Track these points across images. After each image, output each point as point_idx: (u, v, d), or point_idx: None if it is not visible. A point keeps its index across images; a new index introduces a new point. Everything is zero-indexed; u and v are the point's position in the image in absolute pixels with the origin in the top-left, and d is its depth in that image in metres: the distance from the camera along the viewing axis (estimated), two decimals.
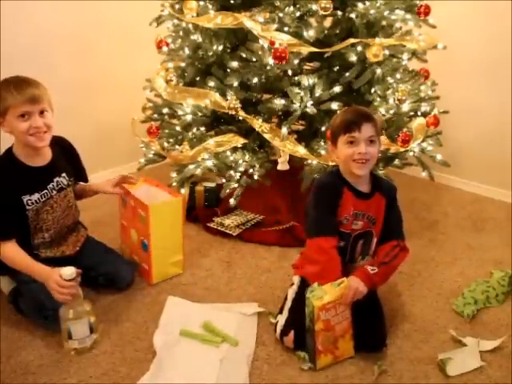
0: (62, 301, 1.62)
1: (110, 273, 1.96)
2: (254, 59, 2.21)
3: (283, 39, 2.08)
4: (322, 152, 2.19)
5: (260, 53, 2.16)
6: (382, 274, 1.66)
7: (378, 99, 2.26)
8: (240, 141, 2.27)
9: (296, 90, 2.15)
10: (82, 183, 2.03)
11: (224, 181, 2.33)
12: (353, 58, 2.18)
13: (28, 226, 1.78)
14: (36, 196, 1.76)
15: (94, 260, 1.95)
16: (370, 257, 1.78)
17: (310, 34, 2.14)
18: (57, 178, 1.83)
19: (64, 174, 1.86)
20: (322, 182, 1.77)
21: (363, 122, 1.61)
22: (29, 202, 1.75)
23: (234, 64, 2.25)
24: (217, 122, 2.40)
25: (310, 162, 2.20)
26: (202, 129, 2.38)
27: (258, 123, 2.21)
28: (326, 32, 2.21)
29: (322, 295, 1.56)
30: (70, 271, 1.61)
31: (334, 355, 1.62)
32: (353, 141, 1.62)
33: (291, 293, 1.81)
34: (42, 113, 1.69)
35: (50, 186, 1.81)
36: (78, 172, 1.99)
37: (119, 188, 2.04)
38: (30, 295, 1.76)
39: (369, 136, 1.62)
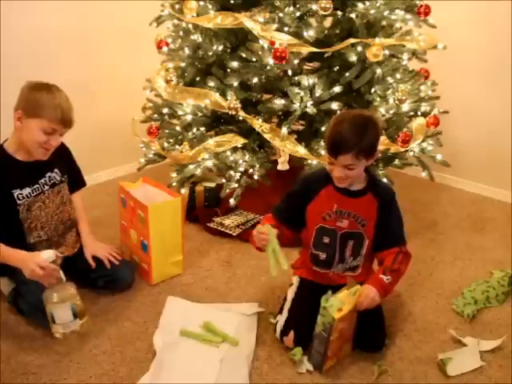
0: (46, 284, 1.60)
1: (110, 275, 1.95)
2: (254, 59, 2.21)
3: (283, 39, 2.08)
4: (322, 152, 2.19)
5: (260, 53, 2.16)
6: (393, 283, 1.66)
7: (378, 99, 2.26)
8: (240, 141, 2.27)
9: (296, 90, 2.15)
10: (81, 217, 2.01)
11: (224, 181, 2.33)
12: (353, 58, 2.18)
13: (21, 225, 1.78)
14: (27, 190, 1.77)
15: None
16: (361, 257, 1.76)
17: (310, 33, 2.14)
18: (49, 174, 1.84)
19: (56, 170, 1.87)
20: (304, 175, 1.82)
21: (341, 152, 1.55)
22: (20, 196, 1.75)
23: (234, 64, 2.25)
24: (217, 122, 2.40)
25: (309, 161, 2.20)
26: (202, 129, 2.38)
27: (257, 123, 2.21)
28: (326, 32, 2.21)
29: (341, 306, 1.53)
30: (49, 253, 1.59)
31: (338, 357, 1.64)
32: (331, 162, 1.61)
33: (290, 293, 1.81)
34: (61, 134, 1.75)
35: (42, 180, 1.81)
36: (72, 173, 1.98)
37: (92, 260, 1.94)
38: (30, 295, 1.76)
39: (345, 165, 1.58)
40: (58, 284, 1.62)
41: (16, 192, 1.74)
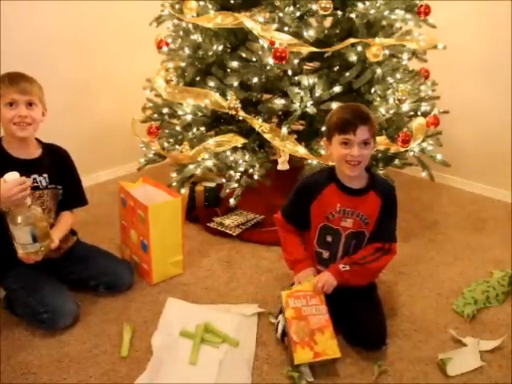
0: (15, 202, 1.55)
1: (111, 281, 1.95)
2: (254, 59, 2.21)
3: (283, 39, 2.08)
4: (322, 152, 2.19)
5: (260, 53, 2.16)
6: (354, 273, 1.68)
7: (378, 99, 2.26)
8: (240, 141, 2.27)
9: (296, 89, 2.15)
10: (62, 216, 1.93)
11: (224, 181, 2.33)
12: (353, 58, 2.18)
13: (3, 216, 1.72)
14: None
15: (92, 270, 1.94)
16: None
17: (310, 33, 2.14)
18: (35, 176, 1.79)
19: (45, 175, 1.82)
20: (303, 181, 1.82)
21: (359, 124, 1.58)
22: None
23: (234, 64, 2.25)
24: (217, 122, 2.40)
25: (309, 161, 2.20)
26: (202, 129, 2.38)
27: (257, 123, 2.21)
28: (325, 32, 2.21)
29: (292, 288, 1.67)
30: (13, 175, 1.55)
31: (314, 351, 1.56)
32: (347, 142, 1.61)
33: None
34: (30, 105, 1.71)
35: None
36: (69, 186, 1.91)
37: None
38: (21, 301, 1.76)
39: (363, 139, 1.60)
40: (20, 208, 1.58)
41: None
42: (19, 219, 1.57)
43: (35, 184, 1.80)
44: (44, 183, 1.83)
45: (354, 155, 1.60)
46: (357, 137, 1.59)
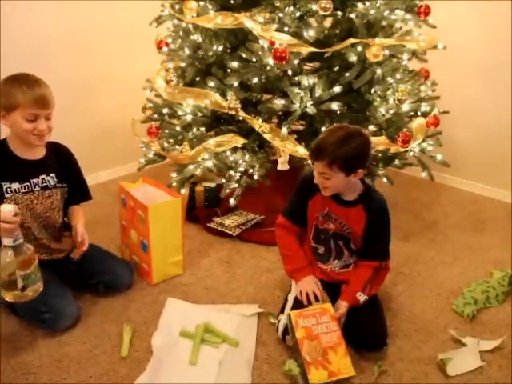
0: (8, 233, 1.48)
1: (110, 280, 1.95)
2: (254, 59, 2.21)
3: (283, 39, 2.07)
4: None
5: (260, 53, 2.16)
6: (368, 298, 1.72)
7: (378, 99, 2.26)
8: (240, 141, 2.27)
9: (296, 90, 2.15)
10: (75, 209, 1.97)
11: (224, 181, 2.33)
12: (353, 58, 2.18)
13: None
14: (16, 185, 1.74)
15: (92, 269, 1.94)
16: (355, 255, 1.80)
17: (310, 34, 2.14)
18: (43, 176, 1.81)
19: (53, 175, 1.84)
20: (304, 175, 1.83)
21: (314, 159, 1.60)
22: (8, 189, 1.73)
23: (234, 64, 2.25)
24: (217, 122, 2.40)
25: (309, 162, 2.20)
26: (202, 129, 2.38)
27: (257, 123, 2.21)
28: (326, 32, 2.21)
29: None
30: (8, 207, 1.49)
31: (329, 371, 1.51)
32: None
33: (292, 292, 1.81)
34: (48, 118, 1.72)
35: (34, 180, 1.78)
36: (74, 183, 1.93)
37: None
38: (21, 303, 1.76)
39: (320, 172, 1.61)
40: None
41: (5, 185, 1.72)
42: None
43: (44, 184, 1.82)
44: (52, 182, 1.84)
45: (317, 182, 1.64)
46: (315, 166, 1.62)
